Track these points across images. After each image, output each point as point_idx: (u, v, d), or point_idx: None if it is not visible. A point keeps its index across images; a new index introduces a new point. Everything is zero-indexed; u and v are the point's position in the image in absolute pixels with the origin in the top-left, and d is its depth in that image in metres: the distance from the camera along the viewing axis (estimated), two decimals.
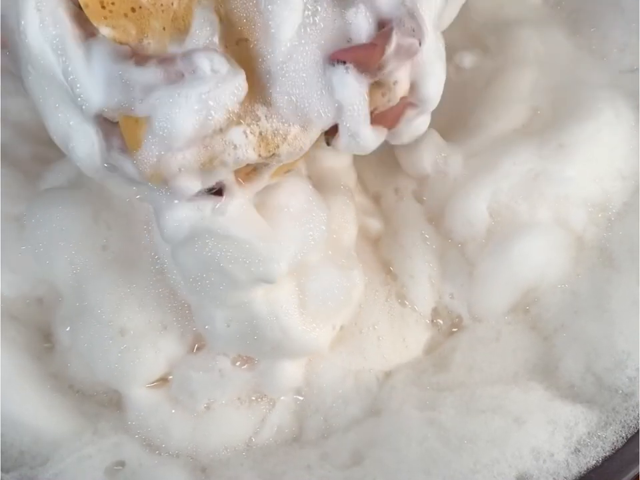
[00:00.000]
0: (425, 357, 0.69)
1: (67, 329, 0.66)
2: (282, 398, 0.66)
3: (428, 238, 0.71)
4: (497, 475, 0.58)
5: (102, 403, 0.66)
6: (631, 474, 0.59)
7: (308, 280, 0.62)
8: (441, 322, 0.70)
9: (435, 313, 0.70)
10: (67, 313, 0.67)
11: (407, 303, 0.70)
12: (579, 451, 0.60)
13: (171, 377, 0.66)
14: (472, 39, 0.79)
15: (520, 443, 0.60)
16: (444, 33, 0.71)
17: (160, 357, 0.64)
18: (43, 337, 0.68)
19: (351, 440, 0.63)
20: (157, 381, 0.66)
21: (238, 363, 0.66)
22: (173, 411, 0.65)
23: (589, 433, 0.60)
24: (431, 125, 0.73)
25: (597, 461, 0.60)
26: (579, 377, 0.64)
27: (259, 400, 0.66)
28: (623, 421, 0.61)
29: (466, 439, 0.60)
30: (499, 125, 0.73)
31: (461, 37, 0.79)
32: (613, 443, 0.60)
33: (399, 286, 0.70)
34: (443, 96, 0.68)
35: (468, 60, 0.77)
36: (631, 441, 0.60)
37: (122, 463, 0.61)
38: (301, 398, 0.67)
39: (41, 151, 0.74)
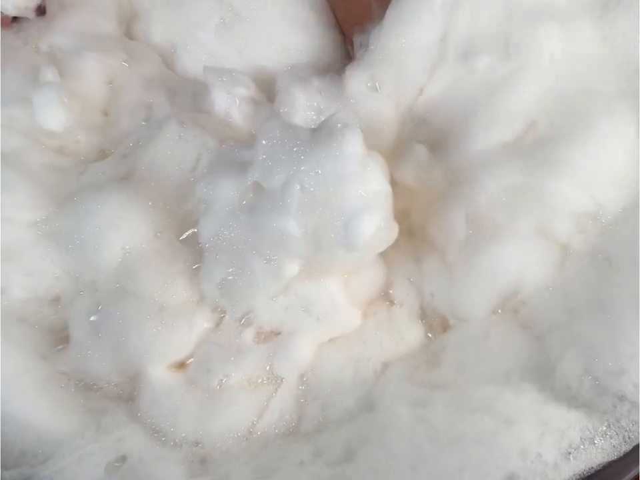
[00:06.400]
0: (419, 352, 0.70)
1: (92, 318, 0.69)
2: (286, 380, 0.68)
3: (402, 245, 0.73)
4: (484, 475, 0.59)
5: (110, 397, 0.69)
6: (631, 474, 0.60)
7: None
8: (431, 320, 0.72)
9: (423, 312, 0.72)
10: (96, 300, 0.70)
11: (395, 302, 0.72)
12: (569, 453, 0.60)
13: (191, 359, 0.69)
14: (496, 34, 0.78)
15: (508, 444, 0.60)
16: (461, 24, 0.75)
17: (192, 333, 0.68)
18: (53, 336, 0.71)
19: (344, 436, 0.64)
20: (180, 362, 0.69)
21: (262, 337, 0.69)
22: (185, 395, 0.67)
23: (581, 438, 0.60)
24: (424, 136, 0.79)
25: (591, 466, 0.60)
26: (577, 379, 0.64)
27: (265, 382, 0.68)
28: (621, 430, 0.61)
29: (454, 437, 0.61)
30: (489, 137, 0.74)
31: (484, 30, 0.78)
32: (608, 453, 0.60)
33: (387, 286, 0.73)
34: (449, 97, 0.75)
35: (483, 62, 0.77)
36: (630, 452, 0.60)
37: (123, 459, 0.63)
38: (301, 388, 0.69)
39: (51, 159, 0.78)
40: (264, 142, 0.62)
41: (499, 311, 0.69)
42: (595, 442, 0.60)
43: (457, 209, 0.72)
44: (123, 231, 0.70)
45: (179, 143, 0.75)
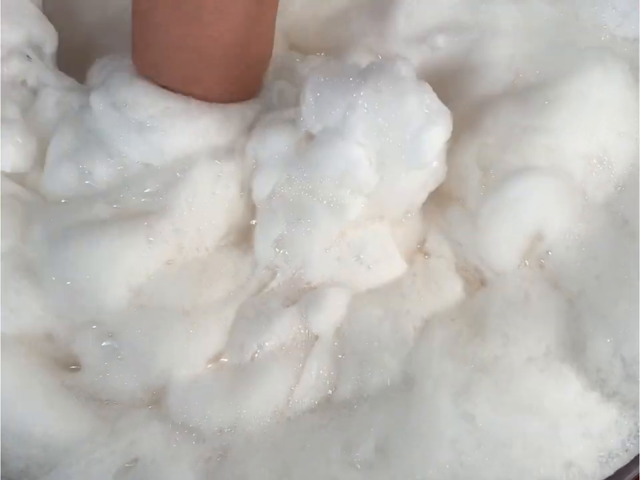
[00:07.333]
0: (459, 312, 0.66)
1: (104, 344, 0.62)
2: (321, 336, 0.63)
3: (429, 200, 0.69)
4: None
5: (125, 406, 0.61)
6: (631, 475, 0.59)
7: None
8: (466, 273, 0.68)
9: (457, 263, 0.69)
10: (107, 328, 0.62)
11: (430, 254, 0.69)
12: (606, 462, 0.58)
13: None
14: (445, 16, 0.79)
15: (553, 454, 0.57)
16: (416, 15, 0.79)
17: (223, 330, 0.63)
18: (60, 363, 0.63)
19: (377, 426, 0.58)
20: (214, 358, 0.63)
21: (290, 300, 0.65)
22: (214, 382, 0.61)
23: (621, 442, 0.59)
24: None
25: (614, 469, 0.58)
26: (607, 361, 0.61)
27: (299, 344, 0.63)
28: None
29: (500, 443, 0.56)
30: (479, 90, 0.74)
31: (433, 15, 0.79)
32: (632, 453, 0.59)
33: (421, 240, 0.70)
34: (425, 75, 0.70)
35: (441, 40, 0.77)
36: None
37: (135, 460, 0.57)
38: (336, 344, 0.63)
39: (13, 190, 0.67)
40: (313, 80, 0.62)
41: (526, 262, 0.66)
42: (626, 445, 0.59)
43: (467, 155, 0.70)
44: (124, 268, 0.62)
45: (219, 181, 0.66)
